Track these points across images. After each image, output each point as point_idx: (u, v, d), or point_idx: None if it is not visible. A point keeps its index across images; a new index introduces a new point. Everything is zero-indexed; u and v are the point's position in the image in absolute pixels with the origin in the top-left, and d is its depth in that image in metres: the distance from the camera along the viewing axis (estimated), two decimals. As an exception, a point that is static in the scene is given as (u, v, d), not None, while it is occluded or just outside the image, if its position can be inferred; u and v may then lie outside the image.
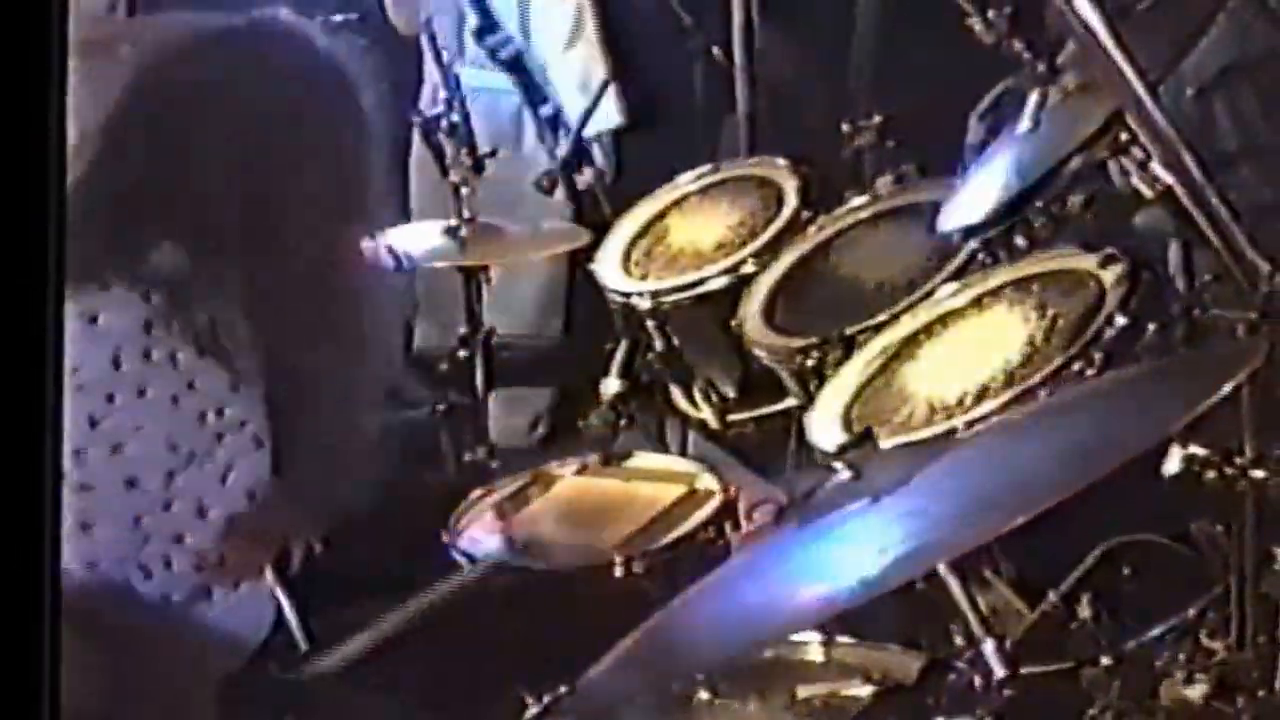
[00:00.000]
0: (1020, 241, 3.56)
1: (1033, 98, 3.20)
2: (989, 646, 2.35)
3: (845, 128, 4.64)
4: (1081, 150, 3.00)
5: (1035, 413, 2.76)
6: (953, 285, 3.53)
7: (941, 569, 2.26)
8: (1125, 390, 2.58)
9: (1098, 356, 3.04)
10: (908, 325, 3.48)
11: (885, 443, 2.65)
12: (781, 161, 4.45)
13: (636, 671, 2.36)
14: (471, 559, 3.70)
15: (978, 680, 2.37)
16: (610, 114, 5.67)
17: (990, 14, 3.22)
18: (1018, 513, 2.07)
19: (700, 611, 2.40)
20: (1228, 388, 2.15)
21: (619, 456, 4.36)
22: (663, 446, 4.80)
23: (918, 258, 3.77)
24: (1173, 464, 2.90)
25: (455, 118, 4.84)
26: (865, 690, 2.77)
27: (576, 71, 5.75)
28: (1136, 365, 2.98)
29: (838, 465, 2.23)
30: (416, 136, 5.34)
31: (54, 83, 1.35)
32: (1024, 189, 3.26)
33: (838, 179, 4.43)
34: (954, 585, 2.27)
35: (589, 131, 5.29)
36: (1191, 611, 3.12)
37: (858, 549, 2.22)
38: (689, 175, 4.60)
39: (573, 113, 5.28)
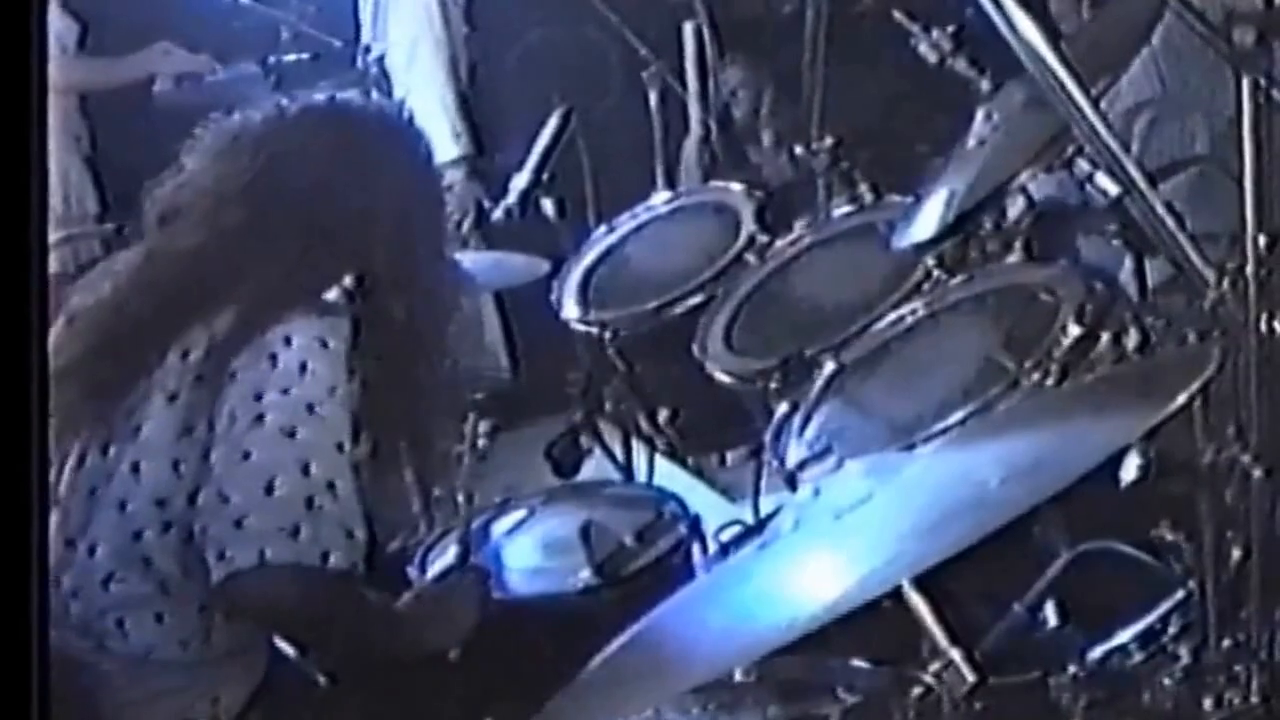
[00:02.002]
0: (975, 257, 3.58)
1: (979, 115, 3.23)
2: (955, 656, 2.36)
3: (799, 151, 4.66)
4: (1029, 165, 3.02)
5: (991, 426, 2.78)
6: (910, 304, 3.55)
7: (905, 584, 2.27)
8: (1079, 401, 2.59)
9: (1053, 368, 3.07)
10: (866, 345, 3.49)
11: (846, 461, 2.66)
12: (737, 187, 4.48)
13: (599, 698, 2.35)
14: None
15: (945, 693, 2.38)
16: (447, 145, 5.76)
17: (934, 33, 3.25)
18: (978, 526, 2.07)
19: (662, 636, 2.39)
20: (1183, 398, 2.17)
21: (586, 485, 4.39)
22: (628, 473, 4.83)
23: (874, 278, 3.79)
24: (1129, 471, 2.94)
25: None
26: (834, 709, 2.78)
27: (415, 96, 5.79)
28: (1090, 376, 3.00)
29: (799, 484, 2.24)
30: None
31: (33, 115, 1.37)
32: (974, 204, 3.29)
33: (793, 202, 4.46)
34: (916, 599, 2.28)
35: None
36: (1154, 617, 3.13)
37: (819, 568, 2.22)
38: (647, 203, 4.63)
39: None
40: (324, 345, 3.09)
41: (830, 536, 2.27)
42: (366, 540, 3.09)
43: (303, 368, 3.06)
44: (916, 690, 2.46)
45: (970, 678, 2.30)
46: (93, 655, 3.12)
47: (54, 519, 3.12)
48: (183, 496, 3.06)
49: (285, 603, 3.04)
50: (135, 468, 3.10)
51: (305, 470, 3.00)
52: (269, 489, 2.98)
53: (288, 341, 3.07)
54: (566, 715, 2.35)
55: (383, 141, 3.35)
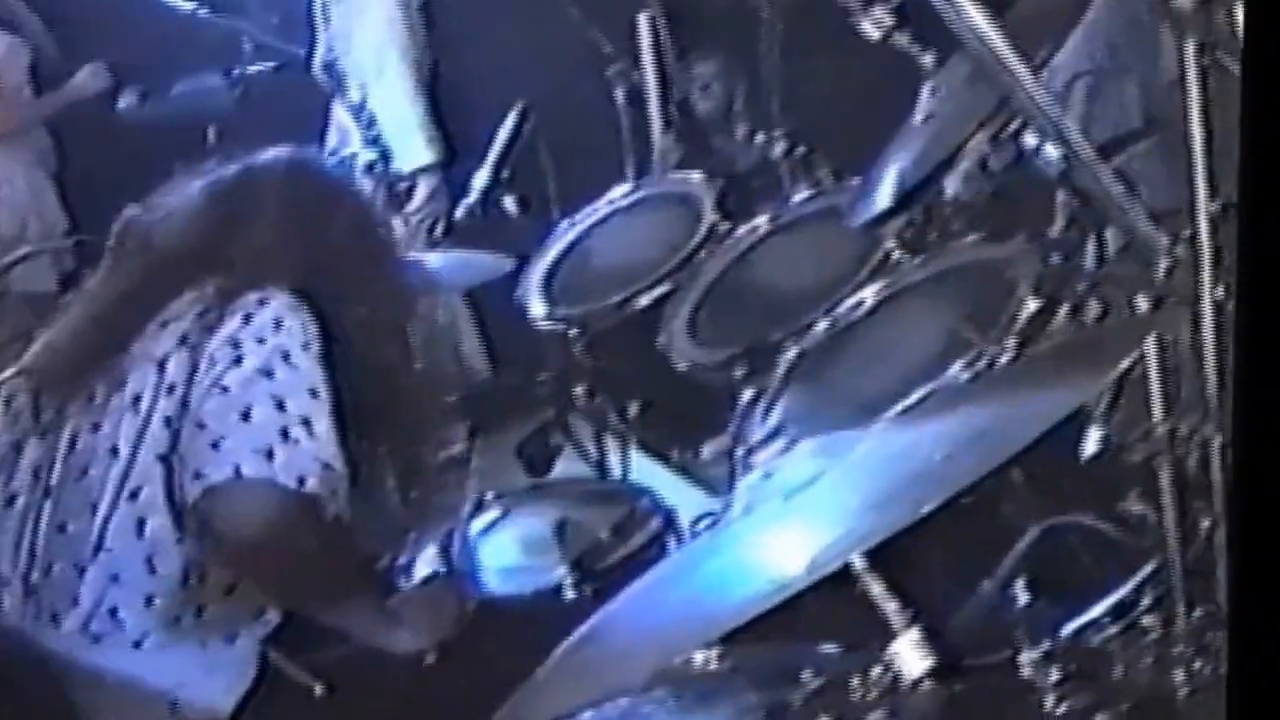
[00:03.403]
0: (934, 237, 3.58)
1: (925, 90, 3.22)
2: (914, 635, 2.35)
3: (759, 138, 4.65)
4: (973, 137, 3.02)
5: (936, 402, 2.77)
6: (871, 285, 3.55)
7: (859, 564, 2.26)
8: (1023, 374, 2.59)
9: (1011, 343, 3.06)
10: (828, 328, 3.49)
11: (801, 441, 2.65)
12: (697, 176, 4.47)
13: (560, 689, 2.35)
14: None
15: (904, 673, 2.37)
16: (420, 152, 5.76)
17: (875, 10, 3.24)
18: (923, 500, 2.06)
19: (619, 626, 2.40)
20: (1126, 363, 2.16)
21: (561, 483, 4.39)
22: (602, 469, 4.82)
23: (836, 261, 3.79)
24: (1091, 445, 2.93)
25: (371, 155, 4.85)
26: (798, 693, 2.77)
27: (385, 105, 5.78)
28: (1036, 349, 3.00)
29: (751, 467, 2.24)
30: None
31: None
32: (922, 177, 3.29)
33: (755, 190, 4.45)
34: (870, 580, 2.27)
35: (406, 168, 5.39)
36: (1127, 590, 3.12)
37: (770, 549, 2.22)
38: (609, 196, 4.62)
39: (392, 145, 5.34)
40: (295, 309, 3.28)
41: (780, 517, 2.28)
42: (348, 474, 3.23)
43: (277, 323, 3.24)
44: (876, 670, 2.43)
45: (927, 658, 2.29)
46: (89, 654, 3.18)
47: (47, 508, 3.26)
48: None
49: (259, 519, 3.13)
50: (133, 433, 3.23)
51: (281, 406, 3.16)
52: (245, 415, 3.14)
53: (262, 302, 3.26)
54: (529, 708, 2.34)
55: (332, 190, 3.66)
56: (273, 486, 3.10)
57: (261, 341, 3.22)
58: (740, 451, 3.43)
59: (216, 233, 3.46)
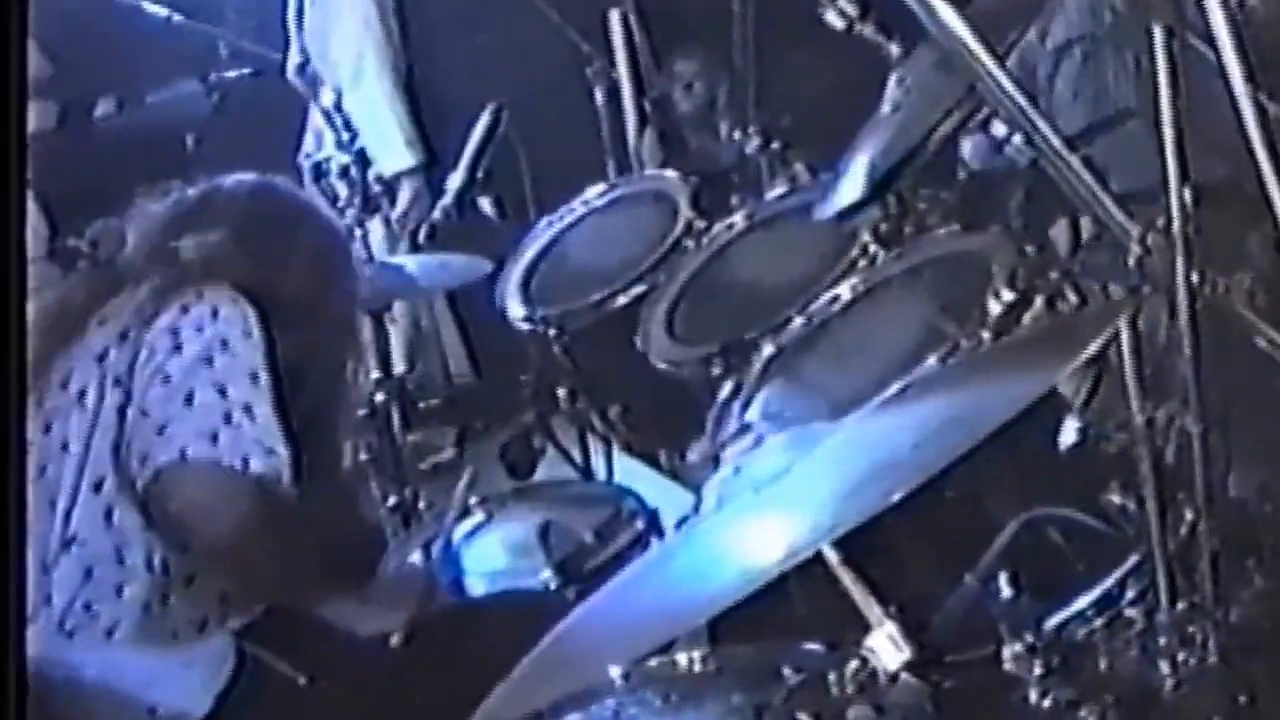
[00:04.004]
0: (909, 230, 3.56)
1: (892, 79, 3.21)
2: (889, 629, 2.34)
3: (736, 135, 4.63)
4: (940, 126, 3.01)
5: (903, 391, 2.77)
6: (848, 280, 3.54)
7: (833, 558, 2.25)
8: (991, 362, 2.58)
9: (986, 334, 3.05)
10: (805, 324, 3.47)
11: (766, 437, 2.65)
12: (672, 174, 4.45)
13: (536, 686, 2.38)
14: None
15: (880, 666, 2.36)
16: (399, 155, 5.75)
17: (840, 1, 3.23)
18: (892, 489, 2.08)
19: (593, 623, 2.43)
20: (1094, 347, 2.15)
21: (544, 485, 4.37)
22: (586, 471, 4.81)
23: (812, 257, 3.77)
24: (1068, 436, 2.91)
25: (345, 159, 4.84)
26: (779, 690, 2.75)
27: (363, 108, 5.76)
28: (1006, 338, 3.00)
29: (722, 463, 2.23)
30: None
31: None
32: (890, 168, 3.28)
33: (730, 186, 4.43)
34: (845, 575, 2.26)
35: (387, 171, 5.37)
36: (1111, 582, 3.11)
37: (742, 541, 2.24)
38: (585, 196, 4.60)
39: (371, 148, 5.33)
40: (233, 300, 3.33)
41: (751, 510, 2.31)
42: (291, 459, 3.29)
43: (215, 312, 3.30)
44: (852, 665, 2.42)
45: (903, 652, 2.28)
46: (65, 651, 3.20)
47: None
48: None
49: (206, 500, 3.22)
50: (83, 428, 3.29)
51: (222, 392, 3.24)
52: (188, 400, 3.22)
53: (199, 295, 3.32)
54: (507, 705, 2.38)
55: (297, 212, 3.69)
56: (218, 467, 3.19)
57: (200, 330, 3.28)
58: (717, 448, 3.42)
59: (171, 247, 3.49)
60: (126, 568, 3.25)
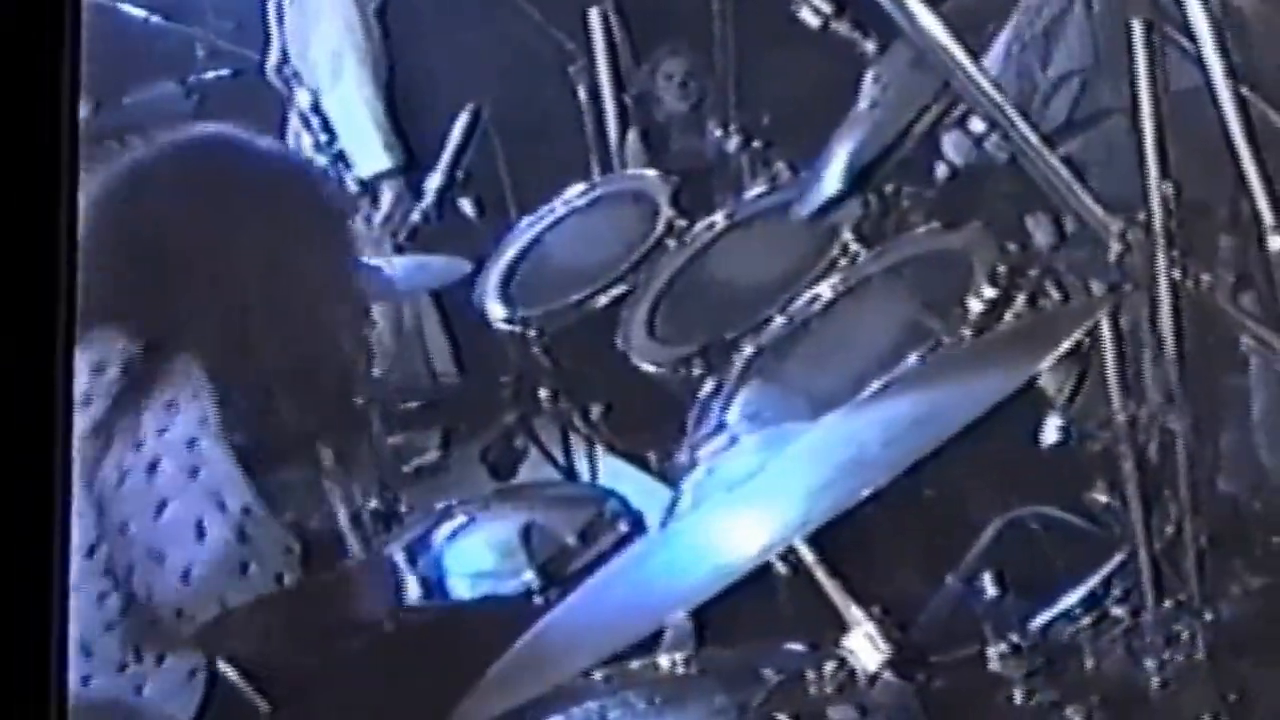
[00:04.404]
0: (890, 228, 3.55)
1: (868, 76, 3.20)
2: (868, 629, 2.33)
3: (717, 134, 4.62)
4: (917, 122, 3.00)
5: (880, 389, 2.77)
6: (828, 279, 3.53)
7: (809, 558, 2.25)
8: (964, 358, 2.58)
9: (966, 333, 3.04)
10: (785, 323, 3.46)
11: (740, 437, 2.66)
12: (652, 173, 4.43)
13: (512, 685, 2.39)
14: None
15: (859, 666, 2.36)
16: (378, 157, 5.73)
17: (815, -1, 3.23)
18: (863, 485, 2.11)
19: (567, 622, 2.45)
20: (1066, 345, 2.15)
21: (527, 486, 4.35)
22: (569, 472, 4.78)
23: (793, 256, 3.76)
24: (1050, 434, 2.90)
25: (324, 160, 4.81)
26: (759, 691, 2.75)
27: (342, 109, 5.74)
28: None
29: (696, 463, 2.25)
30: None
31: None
32: (867, 164, 3.26)
33: (711, 185, 4.42)
34: (822, 576, 2.26)
35: (365, 173, 5.35)
36: (1096, 581, 3.10)
37: (715, 540, 2.25)
38: (565, 196, 4.58)
39: (349, 150, 5.30)
40: (194, 395, 3.12)
41: (725, 509, 2.33)
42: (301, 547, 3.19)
43: (170, 405, 3.09)
44: (830, 666, 2.42)
45: (881, 652, 2.28)
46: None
47: None
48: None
49: (260, 638, 3.10)
50: None
51: (221, 506, 3.06)
52: (200, 533, 3.04)
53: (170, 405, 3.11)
54: (483, 704, 2.41)
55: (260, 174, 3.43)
56: (260, 603, 3.08)
57: (162, 433, 3.09)
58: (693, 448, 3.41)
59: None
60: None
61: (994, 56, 3.38)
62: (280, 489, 3.36)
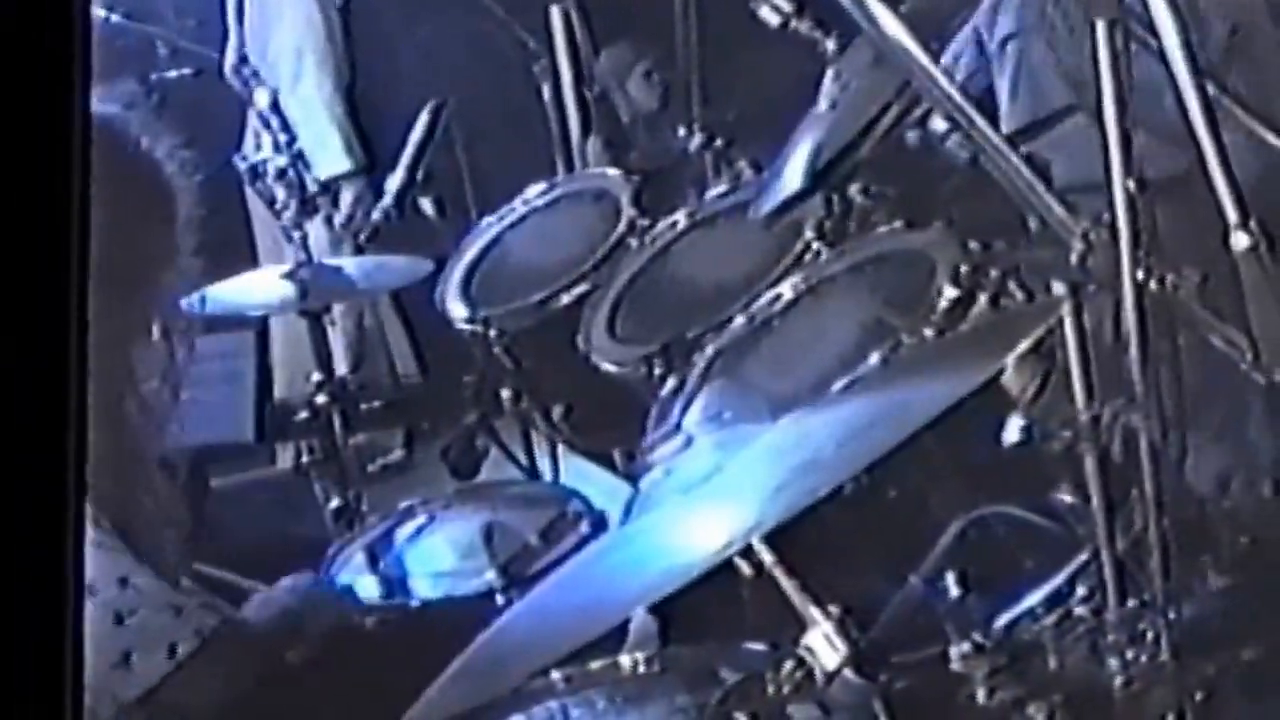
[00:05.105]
0: (853, 228, 3.54)
1: (829, 75, 3.19)
2: (826, 629, 2.33)
3: (680, 133, 4.61)
4: (876, 121, 2.99)
5: (842, 390, 2.77)
6: (790, 279, 3.52)
7: (768, 559, 2.25)
8: (921, 359, 2.57)
9: (929, 332, 3.03)
10: (746, 323, 3.46)
11: (695, 438, 2.66)
12: (614, 172, 4.42)
13: (466, 685, 2.40)
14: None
15: (817, 665, 2.35)
16: (338, 158, 5.71)
17: (776, -4, 3.22)
18: (818, 487, 2.13)
19: (523, 623, 2.48)
20: (1024, 345, 2.15)
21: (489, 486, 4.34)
22: (531, 471, 4.78)
23: (754, 255, 3.75)
24: (1012, 433, 2.89)
25: (282, 161, 4.79)
26: (715, 690, 2.74)
27: (302, 110, 5.72)
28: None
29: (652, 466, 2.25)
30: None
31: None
32: (827, 163, 3.26)
33: (672, 184, 4.40)
34: (780, 575, 2.25)
35: (324, 174, 5.33)
36: (1060, 580, 3.10)
37: (671, 541, 2.26)
38: (525, 195, 4.56)
39: (309, 151, 5.27)
40: None
41: (680, 510, 2.34)
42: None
43: None
44: (789, 665, 2.41)
45: (839, 650, 2.28)
46: None
47: None
48: None
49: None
50: None
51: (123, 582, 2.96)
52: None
53: None
54: (437, 704, 2.42)
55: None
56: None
57: None
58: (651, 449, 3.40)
59: None
60: None
61: (961, 37, 3.41)
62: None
